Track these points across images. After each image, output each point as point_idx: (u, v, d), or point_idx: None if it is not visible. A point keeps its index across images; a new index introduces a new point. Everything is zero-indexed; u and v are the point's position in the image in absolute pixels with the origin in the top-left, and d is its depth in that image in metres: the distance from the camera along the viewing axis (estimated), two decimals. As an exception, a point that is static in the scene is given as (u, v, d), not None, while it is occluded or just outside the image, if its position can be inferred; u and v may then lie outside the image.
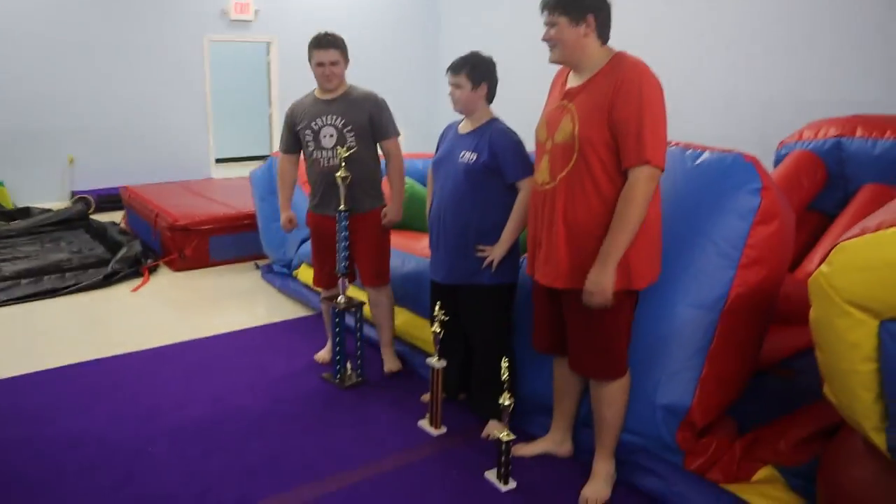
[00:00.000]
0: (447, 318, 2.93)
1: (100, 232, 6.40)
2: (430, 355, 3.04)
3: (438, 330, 2.93)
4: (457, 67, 2.87)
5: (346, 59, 3.34)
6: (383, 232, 3.49)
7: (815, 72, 5.52)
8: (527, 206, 2.71)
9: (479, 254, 2.85)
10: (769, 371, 3.19)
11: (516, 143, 2.84)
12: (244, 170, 10.21)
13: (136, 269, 5.31)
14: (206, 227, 5.50)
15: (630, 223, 2.20)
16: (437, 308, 2.93)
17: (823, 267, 1.91)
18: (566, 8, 2.26)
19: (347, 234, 3.33)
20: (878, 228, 1.81)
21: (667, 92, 2.24)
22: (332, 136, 3.31)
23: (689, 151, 2.79)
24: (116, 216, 7.20)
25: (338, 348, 3.42)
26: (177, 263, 5.47)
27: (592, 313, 2.34)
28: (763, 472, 2.49)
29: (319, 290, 3.76)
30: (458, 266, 2.92)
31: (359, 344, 3.48)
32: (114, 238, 6.10)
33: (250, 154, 11.23)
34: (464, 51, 2.95)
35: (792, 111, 5.19)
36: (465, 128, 2.97)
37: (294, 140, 3.48)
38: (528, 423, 2.97)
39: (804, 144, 4.22)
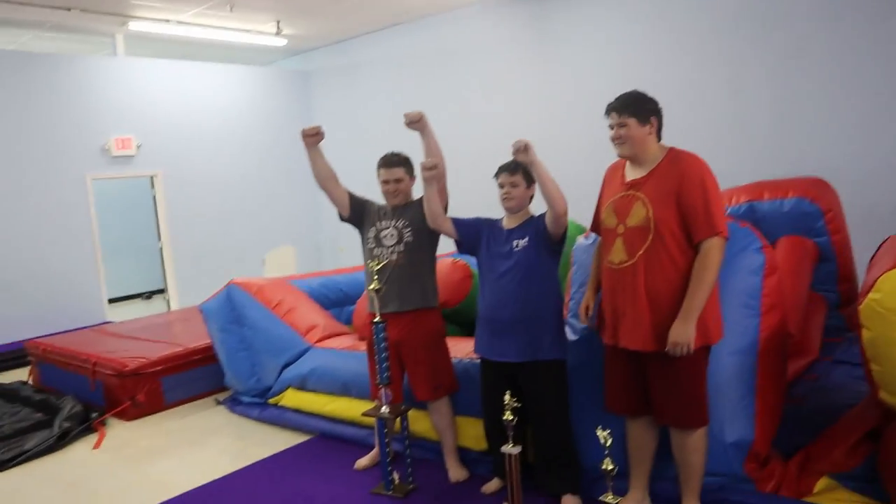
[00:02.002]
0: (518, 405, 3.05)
1: (11, 395, 5.80)
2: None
3: (511, 417, 3.07)
4: (513, 168, 3.20)
5: (412, 177, 3.58)
6: (435, 339, 3.56)
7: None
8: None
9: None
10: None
11: None
12: (141, 307, 9.70)
13: (87, 425, 4.91)
14: (157, 368, 5.23)
15: (707, 284, 2.62)
16: (507, 396, 3.04)
17: (873, 294, 2.44)
18: (635, 111, 2.73)
19: (386, 344, 3.43)
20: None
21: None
22: (392, 235, 3.52)
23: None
24: (10, 376, 6.57)
25: (388, 459, 3.46)
26: (130, 412, 5.12)
27: (678, 369, 2.70)
28: (822, 483, 2.92)
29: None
30: (530, 343, 3.13)
31: (408, 451, 3.53)
32: (32, 398, 5.57)
33: (144, 290, 10.64)
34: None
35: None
36: (510, 223, 3.29)
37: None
38: (596, 492, 3.12)
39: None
